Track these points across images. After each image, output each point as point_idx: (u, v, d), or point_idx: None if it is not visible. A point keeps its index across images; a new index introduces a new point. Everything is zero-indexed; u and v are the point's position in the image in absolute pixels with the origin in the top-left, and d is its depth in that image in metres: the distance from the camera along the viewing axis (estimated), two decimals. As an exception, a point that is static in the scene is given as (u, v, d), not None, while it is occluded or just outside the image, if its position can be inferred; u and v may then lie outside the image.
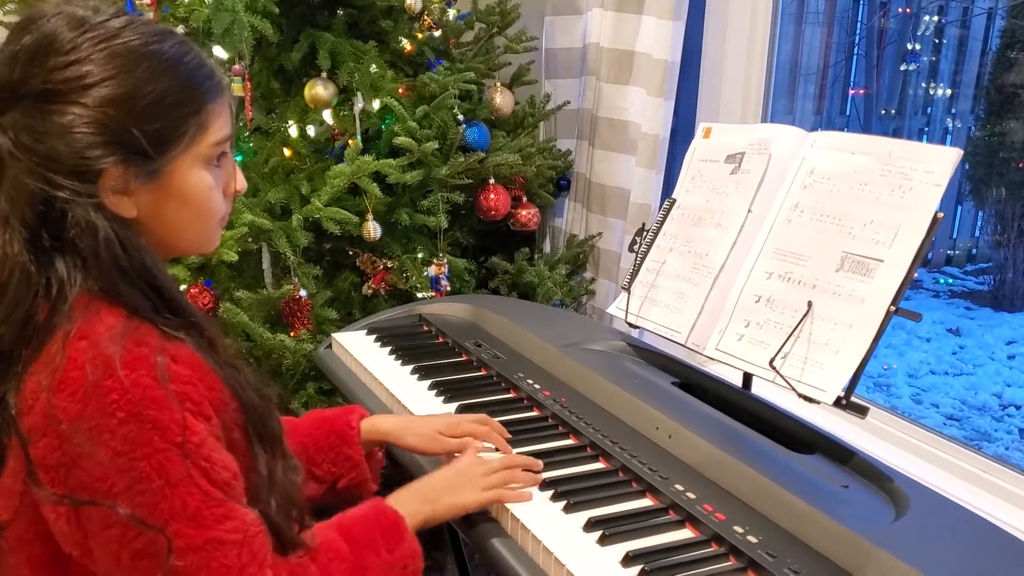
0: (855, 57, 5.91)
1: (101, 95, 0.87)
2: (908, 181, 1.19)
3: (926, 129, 5.94)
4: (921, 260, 1.15)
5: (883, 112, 5.95)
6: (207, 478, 0.86)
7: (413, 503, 1.09)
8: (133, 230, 0.91)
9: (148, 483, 0.83)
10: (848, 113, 5.97)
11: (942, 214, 1.15)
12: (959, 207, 5.72)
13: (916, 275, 1.16)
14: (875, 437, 1.87)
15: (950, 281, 5.58)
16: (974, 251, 5.84)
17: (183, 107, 0.92)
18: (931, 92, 5.84)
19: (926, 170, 1.18)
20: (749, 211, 1.37)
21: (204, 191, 0.95)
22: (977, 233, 5.86)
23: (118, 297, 0.89)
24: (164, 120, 0.90)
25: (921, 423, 1.87)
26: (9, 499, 0.89)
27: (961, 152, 1.17)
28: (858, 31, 5.88)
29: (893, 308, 1.13)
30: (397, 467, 1.32)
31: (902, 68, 5.80)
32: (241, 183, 1.03)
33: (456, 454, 1.21)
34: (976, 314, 5.09)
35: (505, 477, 1.14)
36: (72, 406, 0.83)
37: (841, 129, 5.71)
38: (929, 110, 5.93)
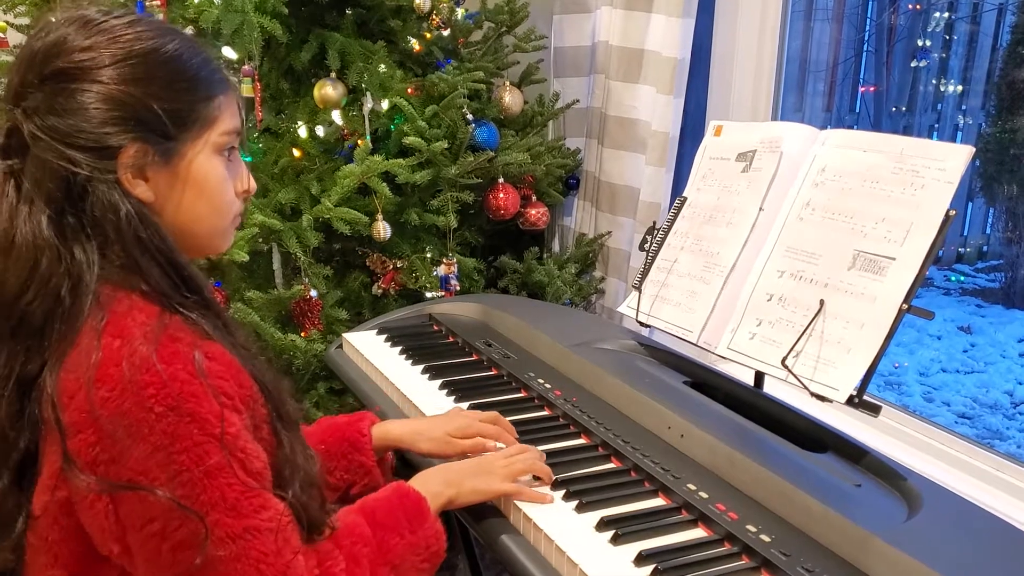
0: (865, 54, 5.88)
1: (118, 74, 0.90)
2: (920, 179, 1.18)
3: (936, 126, 5.90)
4: (933, 258, 1.14)
5: (893, 109, 5.91)
6: (244, 468, 0.88)
7: (436, 485, 1.10)
8: (152, 212, 0.94)
9: (188, 475, 0.85)
10: (858, 110, 5.94)
11: (954, 211, 1.15)
12: (970, 204, 5.68)
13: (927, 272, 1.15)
14: (886, 436, 1.86)
15: (961, 278, 5.55)
16: (985, 248, 5.80)
17: (194, 93, 0.96)
18: (941, 89, 5.80)
19: (938, 168, 1.17)
20: (761, 209, 1.37)
21: (218, 180, 0.98)
22: (988, 230, 5.82)
23: (139, 273, 0.91)
24: (178, 102, 0.94)
25: (933, 421, 1.87)
26: (40, 494, 0.90)
27: (973, 149, 1.16)
28: (868, 28, 5.85)
29: (905, 306, 1.13)
30: (409, 468, 1.32)
31: (912, 65, 5.76)
32: (251, 183, 1.05)
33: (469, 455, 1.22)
34: (987, 311, 5.07)
35: (527, 469, 1.14)
36: (110, 402, 0.84)
37: (850, 126, 5.69)
38: (939, 107, 5.89)
